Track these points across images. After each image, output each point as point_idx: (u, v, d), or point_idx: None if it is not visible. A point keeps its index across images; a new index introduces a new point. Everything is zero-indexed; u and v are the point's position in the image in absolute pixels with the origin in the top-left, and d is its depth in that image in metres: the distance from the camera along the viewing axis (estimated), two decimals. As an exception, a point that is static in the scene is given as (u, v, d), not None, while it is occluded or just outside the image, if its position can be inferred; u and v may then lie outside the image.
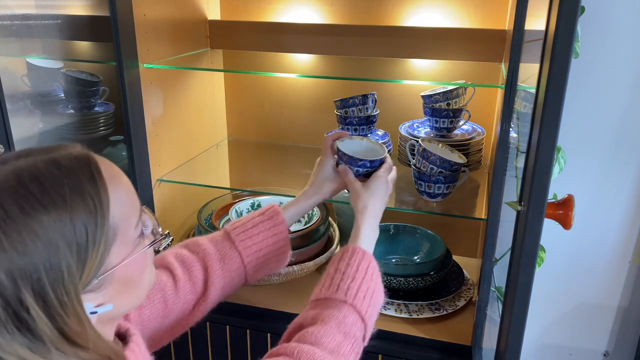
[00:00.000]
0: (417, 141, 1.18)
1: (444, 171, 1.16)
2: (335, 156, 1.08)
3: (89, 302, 0.58)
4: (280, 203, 1.06)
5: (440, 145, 1.21)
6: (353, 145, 1.08)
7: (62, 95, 1.42)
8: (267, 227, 0.98)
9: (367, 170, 1.05)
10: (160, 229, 0.70)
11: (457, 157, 1.18)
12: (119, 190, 0.60)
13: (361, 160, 1.03)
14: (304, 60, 1.53)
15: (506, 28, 1.34)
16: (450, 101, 1.30)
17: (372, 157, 1.04)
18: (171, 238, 0.74)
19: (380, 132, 1.43)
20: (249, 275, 0.99)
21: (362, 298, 0.81)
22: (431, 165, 1.16)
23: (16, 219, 0.52)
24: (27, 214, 0.53)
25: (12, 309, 0.52)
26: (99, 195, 0.57)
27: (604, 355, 1.56)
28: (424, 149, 1.14)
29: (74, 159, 0.58)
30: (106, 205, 0.57)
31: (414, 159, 1.21)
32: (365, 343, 0.82)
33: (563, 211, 0.78)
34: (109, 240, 0.58)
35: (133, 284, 0.64)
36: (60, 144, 0.61)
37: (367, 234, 0.91)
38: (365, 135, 1.33)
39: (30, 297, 0.52)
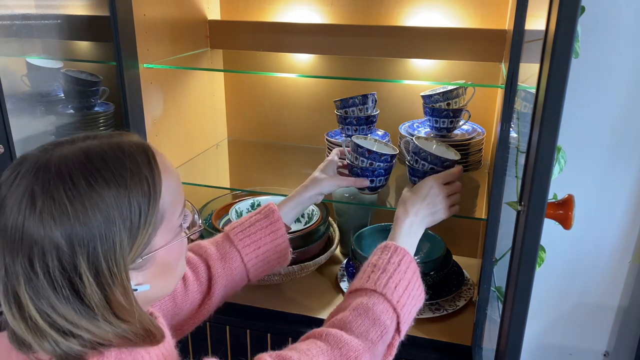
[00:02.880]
0: (412, 138, 1.18)
1: (435, 167, 1.15)
2: (352, 154, 1.16)
3: (131, 280, 0.62)
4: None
5: (435, 142, 1.21)
6: (367, 144, 1.17)
7: (62, 95, 1.42)
8: (263, 225, 1.01)
9: (388, 165, 1.15)
10: (200, 221, 0.77)
11: (452, 155, 1.18)
12: (170, 179, 0.66)
13: (384, 154, 1.14)
14: (304, 60, 1.53)
15: (506, 28, 1.34)
16: (450, 101, 1.30)
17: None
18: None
19: (380, 132, 1.43)
20: (251, 273, 1.00)
21: (392, 288, 0.82)
22: (422, 162, 1.16)
23: (82, 191, 0.57)
24: (92, 188, 0.58)
25: (68, 274, 0.57)
26: (153, 179, 0.62)
27: (604, 355, 1.56)
28: (416, 146, 1.15)
29: (135, 145, 0.64)
30: (159, 190, 0.63)
31: (408, 155, 1.21)
32: (402, 337, 0.83)
33: (563, 211, 0.78)
34: (157, 223, 0.63)
35: (169, 270, 0.69)
36: (121, 132, 0.67)
37: (403, 230, 0.92)
38: (366, 135, 1.33)
39: (84, 264, 0.57)
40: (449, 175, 1.02)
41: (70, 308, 0.57)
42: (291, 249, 1.05)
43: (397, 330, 0.82)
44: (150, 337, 0.63)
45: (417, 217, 0.94)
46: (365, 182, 1.14)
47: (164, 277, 0.68)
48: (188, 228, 0.73)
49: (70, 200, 0.57)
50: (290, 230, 1.08)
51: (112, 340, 0.59)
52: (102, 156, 0.60)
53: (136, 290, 0.63)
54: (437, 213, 0.97)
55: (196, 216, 0.75)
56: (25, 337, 0.57)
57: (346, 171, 1.19)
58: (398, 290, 0.82)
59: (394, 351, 0.82)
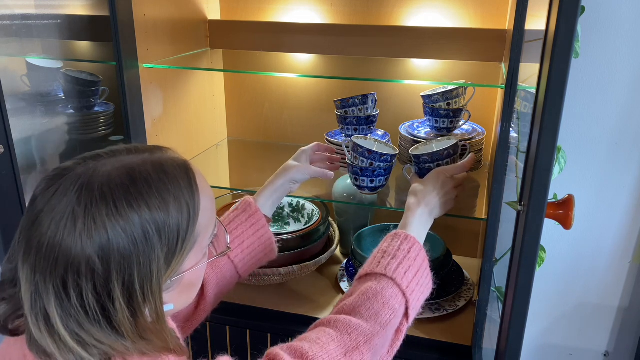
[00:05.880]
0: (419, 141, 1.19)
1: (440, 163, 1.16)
2: (352, 154, 1.16)
3: None
4: (281, 203, 1.07)
5: (434, 141, 1.22)
6: (367, 144, 1.17)
7: (62, 95, 1.42)
8: (243, 219, 1.01)
9: (388, 165, 1.15)
10: (229, 241, 0.76)
11: (451, 142, 1.19)
12: (206, 201, 0.65)
13: (384, 154, 1.13)
14: (304, 60, 1.53)
15: (506, 28, 1.34)
16: (450, 101, 1.30)
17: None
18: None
19: (380, 132, 1.43)
20: (240, 269, 1.01)
21: (402, 273, 0.82)
22: (428, 164, 1.17)
23: (124, 215, 0.56)
24: (134, 212, 0.56)
25: (100, 298, 0.56)
26: (194, 204, 0.61)
27: (604, 355, 1.56)
28: (416, 149, 1.16)
29: (177, 166, 0.63)
30: (197, 214, 0.62)
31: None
32: (410, 322, 0.83)
33: (563, 211, 0.78)
34: (190, 247, 0.62)
35: (193, 287, 0.68)
36: (160, 146, 0.67)
37: (413, 220, 0.92)
38: (366, 135, 1.33)
39: (119, 289, 0.56)
40: (457, 168, 1.04)
41: (99, 328, 0.56)
42: (275, 239, 1.06)
43: (406, 315, 0.82)
44: (172, 354, 0.62)
45: (428, 207, 0.95)
46: (331, 175, 1.14)
47: (186, 294, 0.68)
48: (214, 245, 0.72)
49: (112, 224, 0.55)
50: (291, 231, 1.08)
51: (135, 355, 0.59)
52: (146, 179, 0.59)
53: None
54: (446, 204, 0.98)
55: (225, 234, 0.73)
56: (51, 351, 0.57)
57: (330, 164, 1.21)
58: (408, 276, 0.82)
59: (402, 337, 0.82)
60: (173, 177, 0.61)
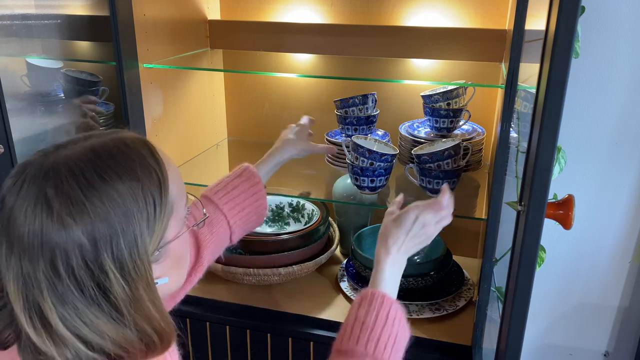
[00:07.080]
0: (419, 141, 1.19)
1: (441, 163, 1.16)
2: (352, 154, 1.17)
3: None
4: (281, 203, 1.08)
5: (438, 142, 1.22)
6: (367, 144, 1.18)
7: (62, 95, 1.42)
8: (246, 187, 1.04)
9: (389, 165, 1.16)
10: (204, 210, 0.79)
11: (451, 142, 1.19)
12: (172, 171, 0.66)
13: (384, 154, 1.14)
14: (304, 60, 1.53)
15: (506, 28, 1.34)
16: (450, 101, 1.30)
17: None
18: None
19: (380, 132, 1.43)
20: (234, 235, 1.03)
21: (382, 348, 0.79)
22: (431, 163, 1.17)
23: (97, 187, 0.57)
24: (107, 182, 0.57)
25: (93, 273, 0.56)
26: (161, 170, 0.62)
27: (604, 355, 1.56)
28: (421, 149, 1.16)
29: (136, 139, 0.64)
30: (167, 180, 0.63)
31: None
32: None
33: (563, 211, 0.78)
34: (169, 214, 0.63)
35: (182, 261, 0.70)
36: (117, 129, 0.67)
37: (386, 272, 0.86)
38: (366, 135, 1.33)
39: (109, 260, 0.56)
40: (435, 205, 0.89)
41: (97, 309, 0.56)
42: (267, 204, 1.09)
43: None
44: (166, 340, 0.62)
45: (399, 253, 0.88)
46: (334, 150, 1.19)
47: (177, 268, 0.69)
48: (194, 217, 0.73)
49: (88, 197, 0.56)
50: (291, 231, 1.09)
51: (134, 346, 0.58)
52: (109, 151, 0.60)
53: (157, 283, 0.63)
54: (422, 243, 0.91)
55: (200, 204, 0.75)
56: (47, 349, 0.56)
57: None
58: (387, 349, 0.80)
59: None
60: (134, 149, 0.62)
